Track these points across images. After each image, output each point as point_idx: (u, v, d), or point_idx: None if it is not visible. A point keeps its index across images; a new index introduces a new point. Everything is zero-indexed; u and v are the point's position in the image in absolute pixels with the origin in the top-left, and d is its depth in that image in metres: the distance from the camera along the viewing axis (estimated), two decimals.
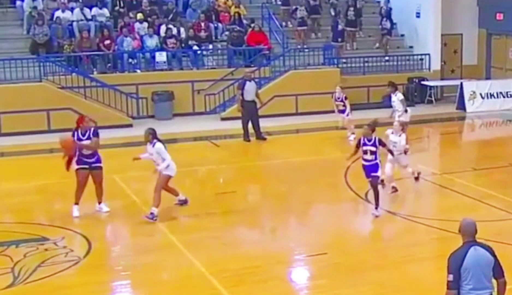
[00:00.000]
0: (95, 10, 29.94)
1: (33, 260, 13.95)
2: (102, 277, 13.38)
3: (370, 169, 16.26)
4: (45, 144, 23.86)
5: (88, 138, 16.29)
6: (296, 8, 32.15)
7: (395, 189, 17.96)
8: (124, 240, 15.79)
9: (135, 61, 28.77)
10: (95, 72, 27.87)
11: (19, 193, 18.79)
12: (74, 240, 15.12)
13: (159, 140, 16.14)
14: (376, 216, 16.16)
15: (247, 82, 24.33)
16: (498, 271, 9.07)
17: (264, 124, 24.55)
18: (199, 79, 28.36)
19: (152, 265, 13.78)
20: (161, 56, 28.60)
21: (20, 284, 12.97)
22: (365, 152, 16.23)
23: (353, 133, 23.02)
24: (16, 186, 19.61)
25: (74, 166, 16.34)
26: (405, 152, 18.33)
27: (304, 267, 14.12)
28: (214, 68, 29.26)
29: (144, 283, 12.83)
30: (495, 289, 9.06)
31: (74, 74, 27.15)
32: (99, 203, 16.80)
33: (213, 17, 31.13)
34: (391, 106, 21.92)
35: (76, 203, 16.57)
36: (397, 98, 21.69)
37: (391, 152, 17.37)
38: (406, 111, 21.58)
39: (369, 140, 16.19)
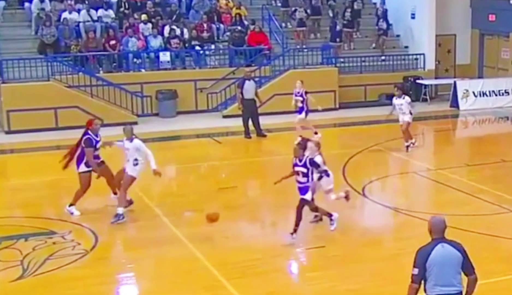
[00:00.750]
0: (101, 12, 29.93)
1: (41, 253, 14.02)
2: (108, 269, 13.45)
3: (300, 191, 14.49)
4: (53, 141, 23.93)
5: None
6: (296, 10, 32.16)
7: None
8: (129, 233, 15.81)
9: (140, 60, 28.77)
10: (101, 72, 27.87)
11: (28, 188, 18.83)
12: (81, 234, 15.15)
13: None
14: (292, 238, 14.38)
15: (247, 81, 24.39)
16: (468, 268, 8.96)
17: (264, 121, 24.57)
18: (202, 78, 28.38)
19: (156, 258, 13.85)
20: (165, 56, 28.63)
21: (29, 276, 13.05)
22: (297, 173, 14.44)
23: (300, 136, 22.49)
24: (25, 181, 19.65)
25: (82, 168, 16.25)
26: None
27: (303, 260, 14.15)
28: (216, 68, 29.27)
29: (149, 276, 12.87)
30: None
31: (80, 73, 27.14)
32: (115, 193, 16.75)
33: (215, 18, 31.14)
34: (390, 104, 21.95)
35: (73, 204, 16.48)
36: (405, 101, 21.71)
37: (325, 172, 14.99)
38: (411, 113, 21.73)
39: (300, 161, 14.37)
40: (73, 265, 13.49)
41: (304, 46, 30.89)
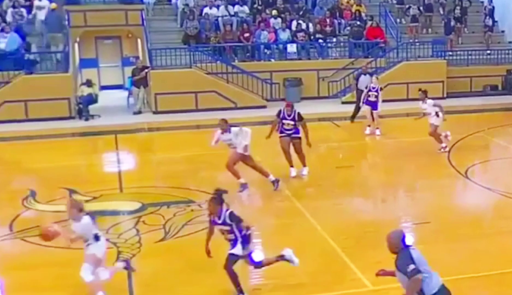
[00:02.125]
0: (237, 7, 30.19)
1: (181, 219, 14.28)
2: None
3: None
4: (193, 121, 24.31)
5: (293, 119, 16.89)
6: (410, 7, 31.85)
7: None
8: (257, 205, 15.96)
9: (270, 51, 28.88)
10: (236, 61, 28.07)
11: (171, 162, 19.20)
12: None
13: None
14: None
15: (362, 75, 24.23)
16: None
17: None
18: (324, 68, 28.28)
19: (280, 228, 13.93)
20: (292, 48, 28.63)
21: (170, 238, 13.30)
22: (221, 232, 10.87)
23: (376, 127, 22.11)
24: (168, 156, 20.05)
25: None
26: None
27: (409, 233, 13.97)
28: (337, 59, 29.12)
29: (272, 244, 12.97)
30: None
31: (218, 62, 27.38)
32: (304, 166, 17.15)
33: (337, 14, 30.97)
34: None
35: (291, 166, 17.04)
36: (428, 105, 19.67)
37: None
38: (437, 115, 19.54)
39: (219, 218, 10.79)
40: (207, 230, 13.65)
41: (416, 40, 30.42)
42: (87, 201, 15.27)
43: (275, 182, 16.02)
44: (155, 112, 26.39)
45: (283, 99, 27.40)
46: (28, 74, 25.42)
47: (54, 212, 14.03)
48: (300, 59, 28.76)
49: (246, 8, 30.35)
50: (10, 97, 24.85)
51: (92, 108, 25.83)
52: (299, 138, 16.88)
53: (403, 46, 29.55)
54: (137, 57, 29.46)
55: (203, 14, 29.37)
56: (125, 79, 31.17)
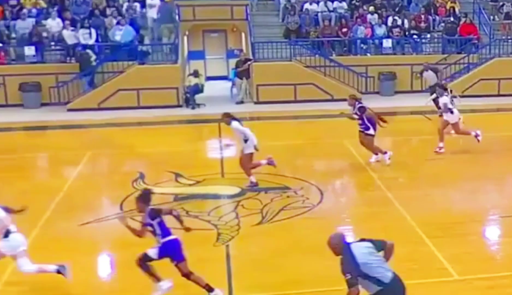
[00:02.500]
0: (336, 3, 30.06)
1: (277, 204, 14.38)
2: (330, 221, 13.56)
3: None
4: (292, 112, 24.38)
5: (356, 113, 16.92)
6: (503, 4, 31.01)
7: None
8: (350, 193, 15.95)
9: (366, 46, 28.63)
10: (333, 55, 27.94)
11: (270, 150, 19.18)
12: (310, 190, 15.41)
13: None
14: None
15: (425, 71, 24.21)
16: (379, 244, 8.20)
17: (469, 102, 23.78)
18: (418, 63, 27.77)
19: (370, 215, 13.87)
20: (387, 43, 28.33)
21: (267, 222, 13.41)
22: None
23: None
24: (268, 144, 19.96)
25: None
26: None
27: (496, 226, 13.74)
28: (430, 54, 28.61)
29: (362, 231, 12.91)
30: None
31: (317, 55, 27.32)
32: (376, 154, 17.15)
33: (432, 11, 30.44)
34: None
35: (384, 152, 17.06)
36: (441, 100, 18.52)
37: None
38: (452, 112, 18.19)
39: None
40: (302, 216, 13.77)
41: (509, 37, 29.56)
42: (191, 185, 15.56)
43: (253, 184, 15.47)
44: (256, 103, 26.55)
45: (377, 92, 27.28)
46: (140, 65, 25.96)
47: (160, 194, 14.28)
48: (395, 54, 28.36)
49: (344, 4, 30.17)
50: (124, 85, 25.45)
51: (198, 97, 26.20)
52: (363, 132, 16.85)
53: (496, 42, 28.80)
54: (241, 50, 29.70)
55: (303, 9, 29.36)
56: (229, 70, 31.48)
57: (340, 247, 8.09)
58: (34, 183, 16.68)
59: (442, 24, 29.78)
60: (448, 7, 30.61)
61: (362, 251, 8.02)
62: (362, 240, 8.26)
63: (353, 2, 30.56)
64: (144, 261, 9.71)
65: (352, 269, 7.83)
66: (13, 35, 26.85)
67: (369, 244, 8.16)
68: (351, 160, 17.66)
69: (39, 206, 13.89)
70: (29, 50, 25.86)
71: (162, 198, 14.17)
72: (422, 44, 29.08)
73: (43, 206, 14.20)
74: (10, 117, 23.77)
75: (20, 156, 19.16)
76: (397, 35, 28.63)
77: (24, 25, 26.78)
